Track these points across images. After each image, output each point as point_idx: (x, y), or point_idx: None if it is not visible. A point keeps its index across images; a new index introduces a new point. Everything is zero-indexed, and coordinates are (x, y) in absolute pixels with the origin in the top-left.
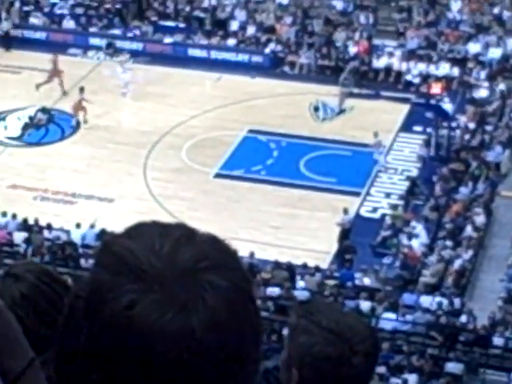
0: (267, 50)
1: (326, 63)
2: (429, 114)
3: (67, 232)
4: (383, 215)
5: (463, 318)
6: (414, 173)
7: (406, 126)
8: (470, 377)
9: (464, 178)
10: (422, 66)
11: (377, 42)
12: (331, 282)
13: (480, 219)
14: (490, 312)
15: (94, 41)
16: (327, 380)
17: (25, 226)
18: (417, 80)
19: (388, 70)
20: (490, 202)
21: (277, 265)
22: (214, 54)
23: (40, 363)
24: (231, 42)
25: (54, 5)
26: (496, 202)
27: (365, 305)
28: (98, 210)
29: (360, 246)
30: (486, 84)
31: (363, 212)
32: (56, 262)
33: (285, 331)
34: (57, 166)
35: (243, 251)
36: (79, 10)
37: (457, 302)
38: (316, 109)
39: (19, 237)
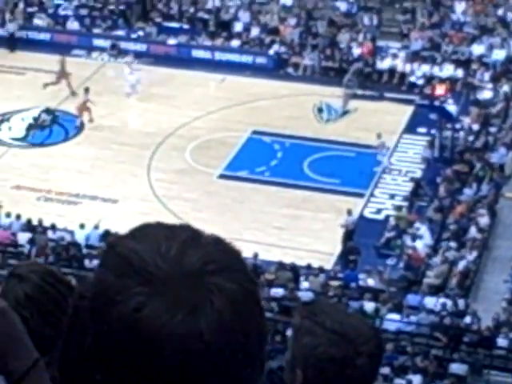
0: (271, 52)
1: (329, 64)
2: (433, 116)
3: (71, 233)
4: (387, 216)
5: (467, 319)
6: (418, 174)
7: (410, 128)
8: (474, 378)
9: (468, 180)
10: (425, 68)
11: (381, 43)
12: (335, 283)
13: (484, 220)
14: (495, 313)
15: (98, 42)
16: (331, 381)
17: (29, 226)
18: (421, 81)
19: (392, 71)
20: (494, 203)
21: (281, 266)
22: (218, 56)
23: (44, 364)
24: (235, 43)
25: (58, 6)
26: (500, 203)
27: (369, 306)
28: (102, 211)
29: (364, 247)
30: (490, 85)
31: (367, 213)
32: (60, 263)
33: (289, 332)
34: (61, 166)
35: (247, 252)
36: (83, 11)
37: (461, 303)
38: (320, 110)
39: (23, 237)
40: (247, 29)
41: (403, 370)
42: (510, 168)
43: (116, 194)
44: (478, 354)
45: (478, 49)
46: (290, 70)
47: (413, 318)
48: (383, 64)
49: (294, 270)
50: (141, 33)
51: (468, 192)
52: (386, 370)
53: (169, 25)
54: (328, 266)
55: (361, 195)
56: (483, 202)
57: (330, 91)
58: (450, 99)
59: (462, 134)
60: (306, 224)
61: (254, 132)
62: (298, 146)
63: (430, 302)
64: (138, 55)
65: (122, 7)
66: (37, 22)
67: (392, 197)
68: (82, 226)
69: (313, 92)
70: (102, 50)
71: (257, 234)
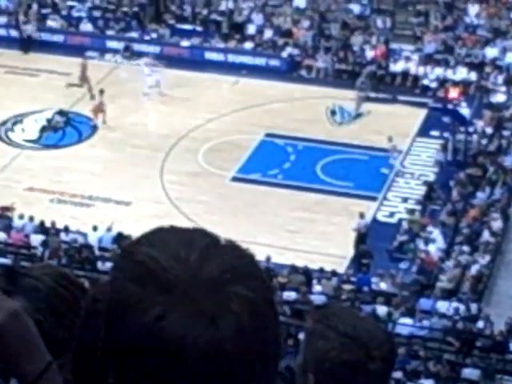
0: (284, 54)
1: (342, 67)
2: (446, 119)
3: (84, 235)
4: (400, 220)
5: (480, 324)
6: (431, 177)
7: (423, 131)
8: (486, 383)
9: (481, 183)
10: (439, 71)
11: (394, 46)
12: (348, 287)
13: (497, 224)
14: (508, 318)
15: (111, 44)
16: None
17: (42, 228)
18: (434, 84)
19: (405, 74)
20: (507, 207)
21: (293, 269)
22: (231, 58)
23: (57, 367)
24: (248, 45)
25: (71, 8)
26: None
27: (381, 310)
28: (115, 213)
29: (377, 250)
30: (504, 89)
31: (380, 217)
32: (73, 265)
33: (301, 335)
34: (74, 168)
35: (260, 255)
36: (97, 13)
37: (474, 307)
38: (333, 113)
39: (36, 239)
40: (260, 31)
41: (416, 375)
42: None
43: (129, 197)
44: (491, 358)
45: (491, 52)
46: (303, 72)
47: (425, 323)
48: (396, 67)
49: (307, 273)
50: (154, 35)
51: (481, 196)
52: (398, 375)
53: (182, 27)
54: (341, 269)
55: (374, 198)
56: (496, 206)
57: (343, 94)
58: (463, 102)
59: (475, 137)
60: (319, 227)
61: (267, 135)
62: (311, 148)
63: (443, 306)
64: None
65: (135, 9)
66: (50, 23)
67: (405, 200)
68: (94, 228)
69: (326, 95)
70: (115, 51)
71: (269, 237)
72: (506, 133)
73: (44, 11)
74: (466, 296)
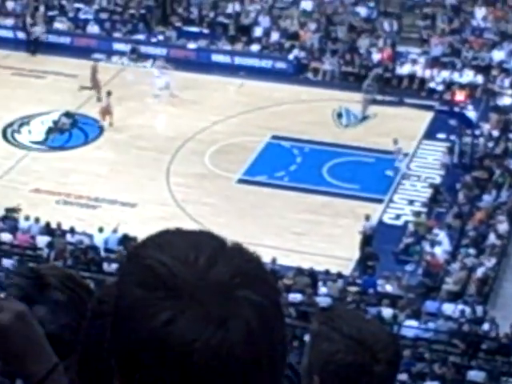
0: (291, 57)
1: (349, 70)
2: (452, 122)
3: (90, 236)
4: (406, 222)
5: (486, 326)
6: (438, 180)
7: (430, 134)
8: None
9: (487, 186)
10: (445, 74)
11: (401, 48)
12: (353, 289)
13: (503, 227)
14: None
15: (118, 46)
16: None
17: (47, 229)
18: (440, 87)
19: (412, 77)
20: None
21: (299, 271)
22: (238, 60)
23: (63, 368)
24: (255, 47)
25: (78, 10)
26: None
27: (387, 312)
28: (121, 215)
29: (383, 252)
30: (510, 92)
31: (386, 219)
32: (78, 266)
33: (306, 337)
34: (80, 170)
35: (266, 257)
36: (103, 15)
37: (479, 309)
38: (339, 115)
39: (42, 241)
40: (267, 33)
41: (421, 377)
42: None
43: (135, 198)
44: (496, 361)
45: (498, 55)
46: (310, 74)
47: (431, 325)
48: (403, 70)
49: (313, 275)
50: (161, 37)
51: (487, 198)
52: (403, 377)
53: (189, 29)
54: (346, 271)
55: (380, 201)
56: (502, 209)
57: (350, 96)
58: (469, 105)
59: (481, 140)
60: (325, 229)
61: (273, 137)
62: (317, 151)
63: (449, 308)
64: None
65: (142, 11)
66: (57, 25)
67: (411, 203)
68: (100, 230)
69: (332, 97)
70: (121, 54)
71: (275, 239)
72: None
73: (51, 13)
74: (472, 298)
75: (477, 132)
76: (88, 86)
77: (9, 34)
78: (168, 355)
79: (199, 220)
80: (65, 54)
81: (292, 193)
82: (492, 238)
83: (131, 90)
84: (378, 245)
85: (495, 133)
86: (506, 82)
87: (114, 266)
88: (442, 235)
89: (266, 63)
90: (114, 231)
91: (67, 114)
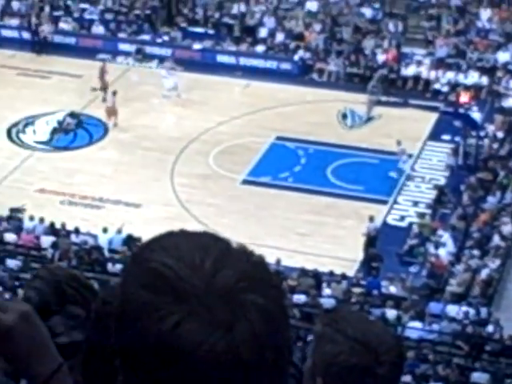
0: (296, 57)
1: (354, 71)
2: (457, 123)
3: (94, 237)
4: (410, 224)
5: (490, 328)
6: (442, 181)
7: (434, 135)
8: None
9: (492, 188)
10: (450, 75)
11: (405, 50)
12: (357, 290)
13: (508, 229)
14: None
15: (123, 46)
16: None
17: (52, 230)
18: (445, 88)
19: (416, 78)
20: None
21: (303, 272)
22: (243, 61)
23: (68, 368)
24: (260, 48)
25: (83, 10)
26: None
27: (391, 313)
28: (125, 215)
29: (387, 254)
30: None
31: (390, 220)
32: (82, 267)
33: (310, 338)
34: (85, 170)
35: (270, 258)
36: (109, 16)
37: (483, 311)
38: (344, 116)
39: (47, 241)
40: (272, 34)
41: (425, 379)
42: None
43: (139, 199)
44: (500, 363)
45: (503, 56)
46: (315, 75)
47: (435, 326)
48: (408, 71)
49: (317, 276)
50: (166, 37)
51: (492, 200)
52: (407, 378)
53: (194, 30)
54: (350, 272)
55: (384, 202)
56: (507, 210)
57: (355, 97)
58: (474, 106)
59: (486, 141)
60: (329, 230)
61: (278, 138)
62: (322, 152)
63: (453, 310)
64: (163, 60)
65: (147, 12)
66: (62, 25)
67: (415, 204)
68: (105, 230)
69: (337, 98)
70: (127, 54)
71: (280, 240)
72: None
73: (56, 13)
74: (476, 300)
75: (481, 133)
76: (97, 87)
77: (14, 34)
78: (174, 359)
79: (203, 221)
80: (70, 55)
81: (296, 194)
82: (496, 240)
83: (136, 90)
84: (382, 246)
85: (500, 134)
86: (511, 84)
87: (119, 266)
88: (446, 237)
89: (270, 64)
90: (119, 232)
91: (72, 115)
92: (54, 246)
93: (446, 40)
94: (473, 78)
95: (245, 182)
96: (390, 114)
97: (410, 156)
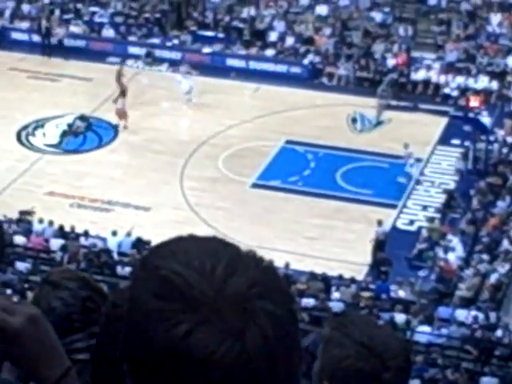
0: (306, 61)
1: (364, 75)
2: (467, 128)
3: (103, 240)
4: (420, 228)
5: (499, 333)
6: (452, 186)
7: (444, 139)
8: None
9: (501, 192)
10: (460, 79)
11: (415, 54)
12: (366, 294)
13: None
14: None
15: (133, 50)
16: None
17: (61, 232)
18: (455, 93)
19: (426, 82)
20: None
21: (312, 276)
22: (253, 65)
23: (76, 372)
24: (270, 52)
25: (93, 13)
26: None
27: (400, 317)
28: (135, 219)
29: (396, 258)
30: None
31: (399, 224)
32: (92, 270)
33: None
34: (94, 173)
35: (279, 262)
36: (119, 19)
37: (492, 316)
38: (354, 120)
39: (56, 244)
40: (282, 38)
41: (434, 383)
42: None
43: (148, 202)
44: (509, 367)
45: None
46: (325, 79)
47: (444, 331)
48: (418, 75)
49: (326, 280)
50: (176, 41)
51: (501, 205)
52: (416, 383)
53: (204, 33)
54: (359, 276)
55: (393, 206)
56: None
57: (364, 101)
58: (484, 111)
59: (495, 146)
60: (339, 234)
61: (288, 141)
62: (331, 156)
63: (462, 314)
64: (173, 63)
65: (157, 15)
66: (72, 29)
67: (425, 208)
68: (114, 233)
69: (347, 102)
70: (136, 57)
71: (289, 244)
72: None
73: (66, 17)
74: (485, 305)
75: (491, 138)
76: (117, 95)
77: (24, 37)
78: (185, 367)
79: (213, 224)
80: (80, 58)
81: (306, 198)
82: (505, 244)
83: (146, 93)
84: (391, 250)
85: (510, 139)
86: None
87: (128, 269)
88: (455, 241)
89: (280, 68)
90: (128, 235)
91: (82, 118)
92: (63, 248)
93: (456, 44)
94: (483, 82)
95: (254, 185)
96: (400, 118)
97: (418, 160)
